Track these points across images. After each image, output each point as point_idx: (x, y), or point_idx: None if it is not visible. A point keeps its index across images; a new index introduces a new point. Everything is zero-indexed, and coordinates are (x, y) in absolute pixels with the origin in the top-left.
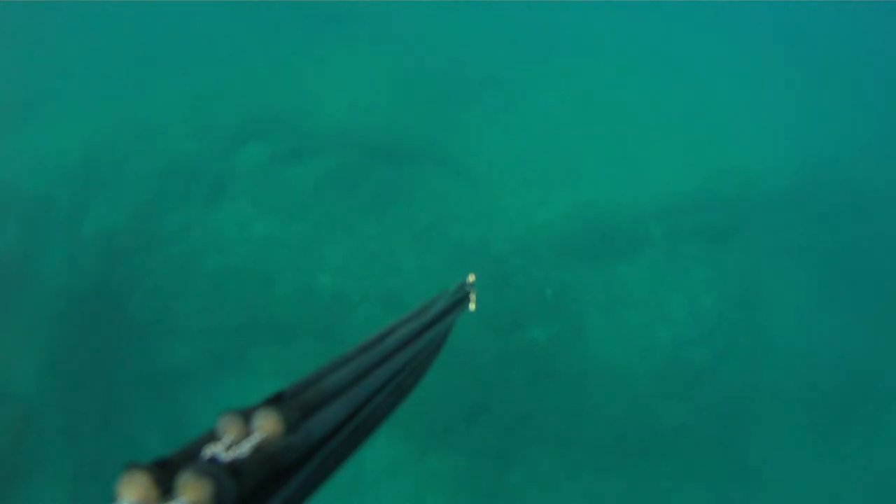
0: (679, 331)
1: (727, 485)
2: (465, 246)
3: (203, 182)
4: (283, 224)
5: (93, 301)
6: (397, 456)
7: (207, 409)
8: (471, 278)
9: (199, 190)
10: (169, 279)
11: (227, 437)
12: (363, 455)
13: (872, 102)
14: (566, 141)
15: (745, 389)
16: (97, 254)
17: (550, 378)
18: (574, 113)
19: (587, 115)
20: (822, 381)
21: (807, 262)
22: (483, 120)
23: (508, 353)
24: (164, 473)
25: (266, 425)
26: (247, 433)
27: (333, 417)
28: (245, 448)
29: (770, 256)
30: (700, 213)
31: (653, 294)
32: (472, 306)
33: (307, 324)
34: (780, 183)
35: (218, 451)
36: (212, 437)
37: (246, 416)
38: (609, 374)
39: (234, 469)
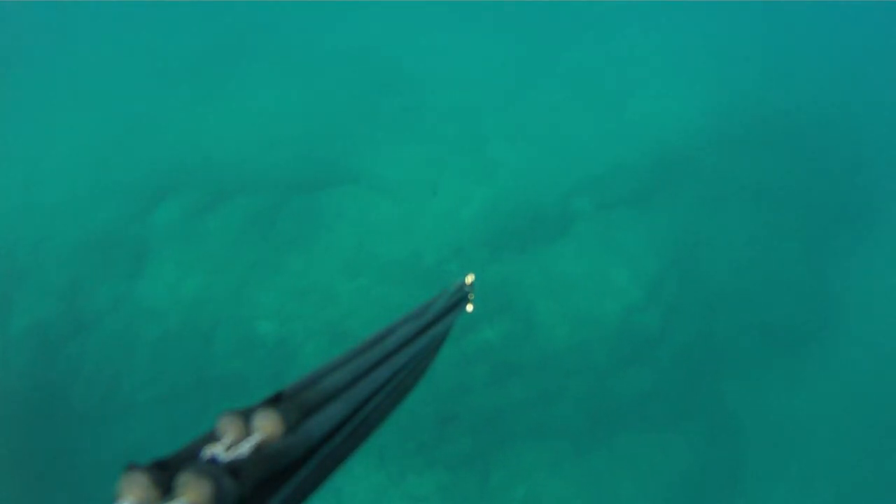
0: (625, 299)
1: (707, 436)
2: (398, 261)
3: (123, 251)
4: (212, 278)
5: (35, 398)
6: (377, 485)
7: None
8: (469, 279)
9: (122, 260)
10: (109, 358)
11: (227, 438)
12: (342, 490)
13: (774, 36)
14: (473, 134)
15: (702, 339)
16: (30, 349)
17: (511, 373)
18: (476, 103)
19: (490, 104)
20: (774, 313)
21: (736, 202)
22: (387, 129)
23: (465, 359)
24: (165, 474)
25: (266, 426)
26: (246, 433)
27: (333, 417)
28: (245, 448)
29: (698, 206)
30: (621, 180)
31: (592, 269)
32: (469, 307)
33: (256, 374)
34: (693, 134)
35: (218, 451)
36: (212, 437)
37: (246, 416)
38: (567, 357)
39: (234, 469)
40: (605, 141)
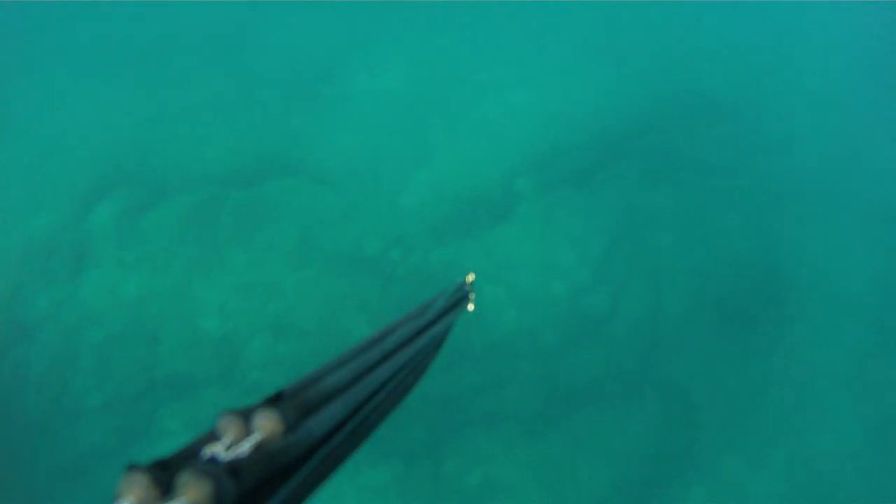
0: (572, 280)
1: (660, 412)
2: (342, 252)
3: (63, 256)
4: (153, 278)
5: None
6: (331, 480)
7: None
8: (469, 279)
9: (61, 265)
10: (55, 364)
11: (227, 437)
12: None
13: (712, 17)
14: (411, 120)
15: (652, 316)
16: None
17: (461, 360)
18: (412, 90)
19: (428, 89)
20: (724, 288)
21: (681, 178)
22: (324, 119)
23: None
24: (165, 473)
25: (266, 425)
26: (246, 433)
27: (333, 417)
28: (245, 448)
29: (642, 183)
30: (563, 161)
31: (537, 250)
32: (470, 307)
33: (204, 372)
34: (634, 112)
35: (218, 450)
36: (212, 437)
37: (245, 415)
38: (517, 341)
39: (234, 469)
40: (546, 122)
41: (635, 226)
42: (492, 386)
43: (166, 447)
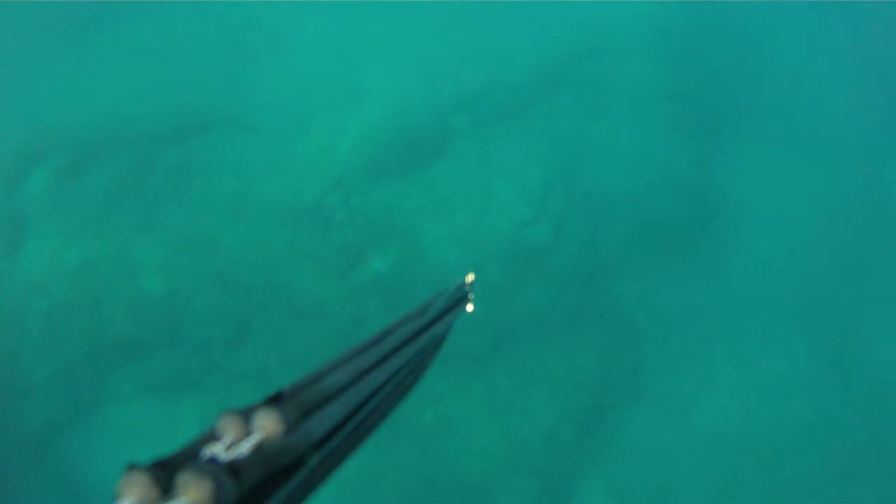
0: (513, 215)
1: (606, 340)
2: (280, 202)
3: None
4: (93, 242)
5: None
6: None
7: (95, 450)
8: (469, 278)
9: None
10: (2, 339)
11: (227, 437)
12: None
13: None
14: (341, 63)
15: (593, 246)
16: None
17: (405, 301)
18: (343, 32)
19: (357, 30)
20: (663, 213)
21: (617, 107)
22: (255, 67)
23: (355, 292)
24: (164, 473)
25: (266, 425)
26: (246, 433)
27: (333, 417)
28: (245, 448)
29: (578, 114)
30: (498, 95)
31: (476, 187)
32: (470, 307)
33: (151, 333)
34: (567, 43)
35: (217, 450)
36: (211, 436)
37: (245, 415)
38: (458, 277)
39: (234, 469)
40: (479, 58)
41: (573, 156)
42: None
43: (121, 413)
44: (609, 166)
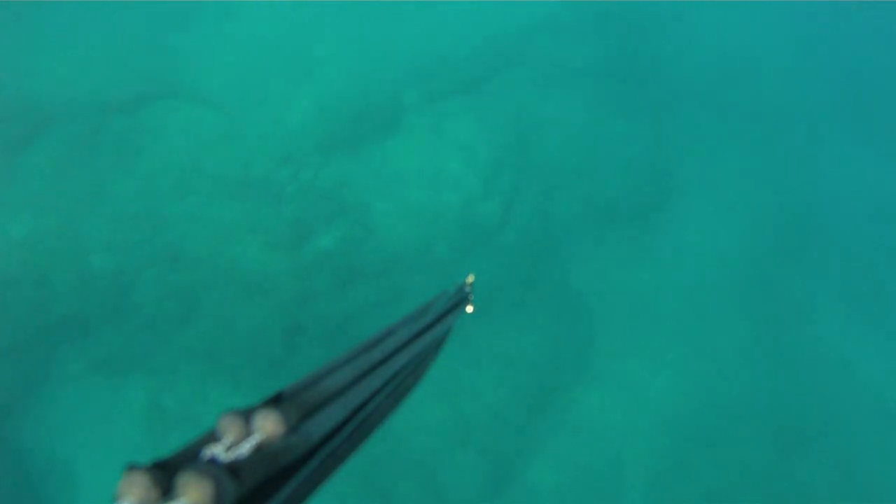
0: (463, 190)
1: (555, 317)
2: (228, 177)
3: None
4: (39, 217)
5: None
6: (227, 407)
7: (44, 429)
8: (469, 279)
9: None
10: None
11: (227, 438)
12: (203, 419)
13: None
14: (294, 34)
15: (543, 222)
16: None
17: (354, 277)
18: (294, 2)
19: (309, 2)
20: (613, 190)
21: (568, 84)
22: (207, 38)
23: (304, 268)
24: (165, 474)
25: (266, 426)
26: (247, 433)
27: (333, 418)
28: (245, 448)
29: (530, 90)
30: (450, 70)
31: (427, 162)
32: (470, 308)
33: (99, 309)
34: (520, 18)
35: (218, 451)
36: (212, 437)
37: (246, 416)
38: (409, 255)
39: (234, 469)
40: (433, 32)
41: (524, 133)
42: (388, 301)
43: (69, 392)
44: (561, 144)
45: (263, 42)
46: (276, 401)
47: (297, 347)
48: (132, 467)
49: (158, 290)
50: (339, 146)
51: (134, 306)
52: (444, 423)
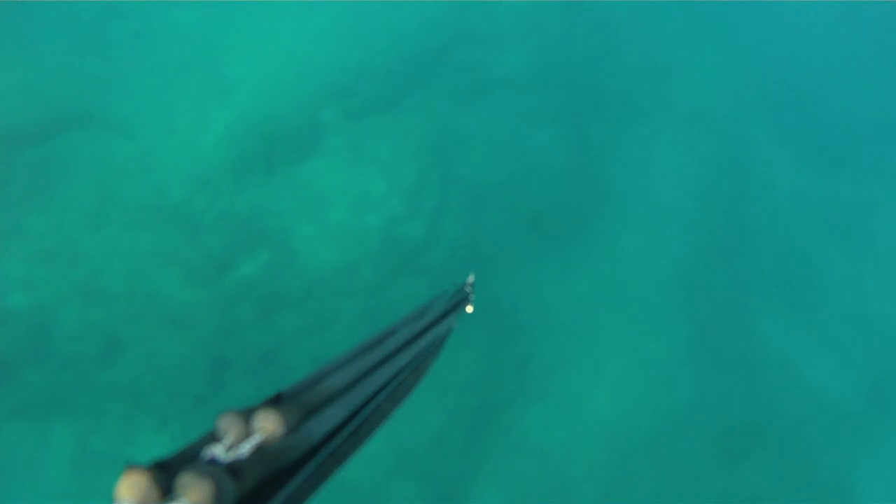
0: (386, 211)
1: (491, 338)
2: (144, 206)
3: None
4: None
5: None
6: (163, 446)
7: None
8: (470, 279)
9: None
10: None
11: (228, 438)
12: (132, 457)
13: None
14: (205, 54)
15: (470, 240)
16: None
17: (279, 306)
18: (204, 22)
19: (219, 21)
20: (542, 203)
21: (491, 96)
22: (114, 61)
23: (227, 299)
24: (165, 474)
25: (266, 426)
26: (247, 434)
27: (333, 418)
28: (245, 449)
29: (451, 103)
30: (367, 86)
31: (347, 184)
32: (469, 308)
33: (17, 351)
34: (438, 30)
35: (218, 451)
36: (212, 437)
37: (246, 416)
38: (334, 279)
39: (235, 470)
40: (347, 48)
41: (446, 148)
42: (315, 329)
43: None
44: (485, 157)
45: (173, 65)
46: (276, 401)
47: (223, 382)
48: (132, 467)
49: (78, 328)
50: (255, 170)
51: (54, 346)
52: (382, 452)
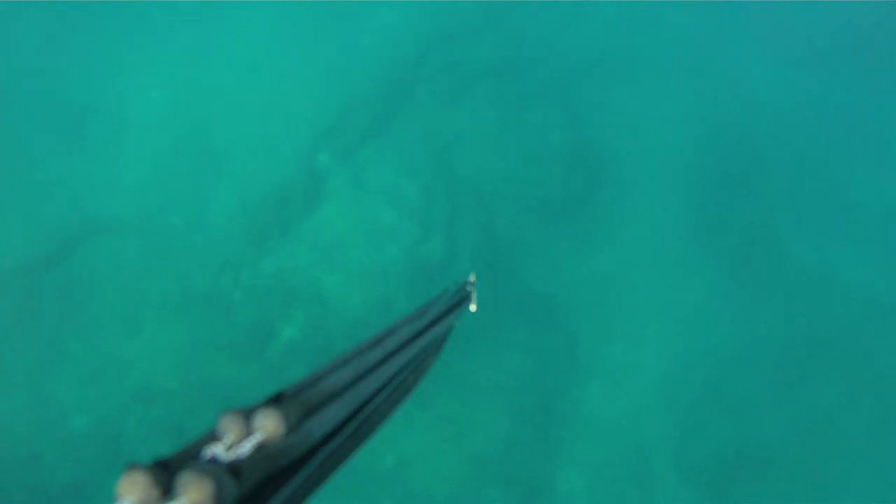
0: (402, 236)
1: (531, 329)
2: (170, 299)
3: None
4: (6, 396)
5: None
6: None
7: None
8: (471, 278)
9: None
10: None
11: (228, 437)
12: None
13: None
14: (187, 136)
15: (488, 239)
16: None
17: (323, 356)
18: (182, 98)
19: (195, 96)
20: (547, 187)
21: (471, 89)
22: (101, 159)
23: (276, 365)
24: (165, 473)
25: (267, 425)
26: (247, 433)
27: (334, 417)
28: (246, 448)
29: (438, 107)
30: (353, 118)
31: (359, 220)
32: (472, 307)
33: (93, 470)
34: (402, 39)
35: (218, 450)
36: (212, 437)
37: (247, 416)
38: (371, 319)
39: (235, 469)
40: (323, 86)
41: (444, 154)
42: None
43: None
44: (483, 153)
45: (162, 150)
46: (276, 400)
47: None
48: (132, 466)
49: (145, 431)
50: (269, 235)
51: (128, 455)
52: (459, 465)
